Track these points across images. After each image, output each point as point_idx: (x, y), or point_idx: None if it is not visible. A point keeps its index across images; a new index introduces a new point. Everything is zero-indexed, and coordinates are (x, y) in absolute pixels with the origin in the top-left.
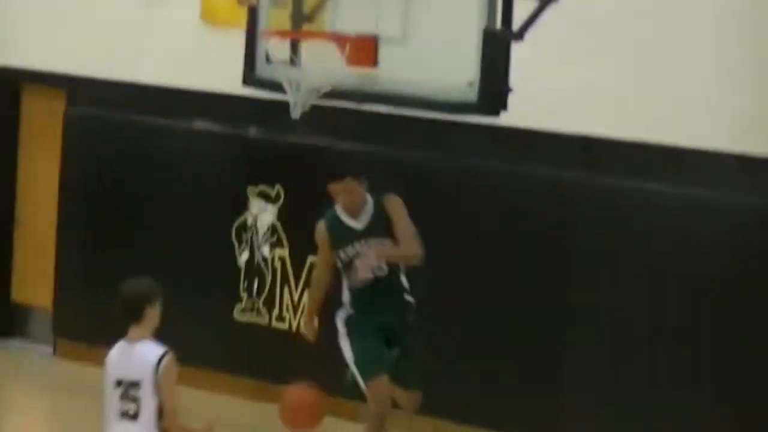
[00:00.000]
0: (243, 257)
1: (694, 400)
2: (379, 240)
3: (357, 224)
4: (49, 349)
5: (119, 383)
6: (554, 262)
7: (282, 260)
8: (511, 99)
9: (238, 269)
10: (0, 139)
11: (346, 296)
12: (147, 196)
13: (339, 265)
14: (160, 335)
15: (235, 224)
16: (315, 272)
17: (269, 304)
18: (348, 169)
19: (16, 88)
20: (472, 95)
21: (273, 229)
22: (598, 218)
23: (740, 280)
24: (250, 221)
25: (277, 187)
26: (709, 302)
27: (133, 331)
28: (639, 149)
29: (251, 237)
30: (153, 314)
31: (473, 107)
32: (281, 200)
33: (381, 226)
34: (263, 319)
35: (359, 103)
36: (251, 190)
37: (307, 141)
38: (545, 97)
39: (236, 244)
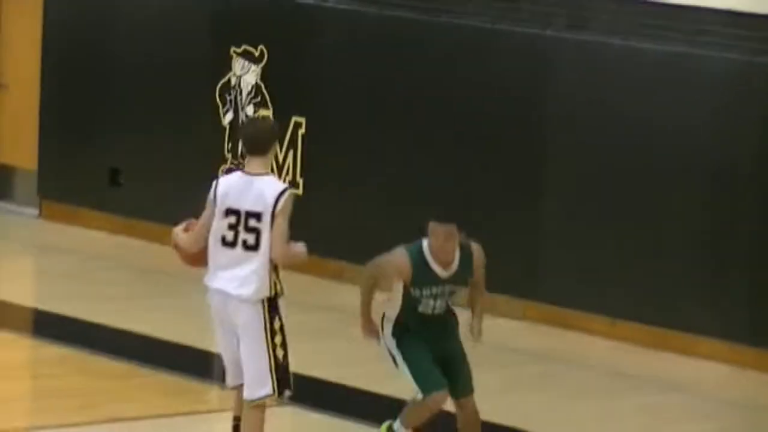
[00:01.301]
0: (227, 117)
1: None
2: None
3: (443, 273)
4: (34, 211)
5: (231, 212)
6: (533, 116)
7: (262, 118)
8: None
9: (223, 129)
10: None
11: (395, 314)
12: (129, 57)
13: (400, 294)
14: (142, 191)
15: (219, 84)
16: (370, 281)
17: None
18: (331, 27)
19: None
20: None
21: (257, 89)
22: (578, 74)
23: (721, 133)
24: (233, 81)
25: (261, 47)
26: (690, 152)
27: (255, 164)
28: (621, 4)
29: (235, 97)
30: (275, 151)
31: None
32: (264, 60)
33: (465, 275)
34: None
35: None
36: (234, 50)
37: (287, 2)
38: None
39: (220, 104)
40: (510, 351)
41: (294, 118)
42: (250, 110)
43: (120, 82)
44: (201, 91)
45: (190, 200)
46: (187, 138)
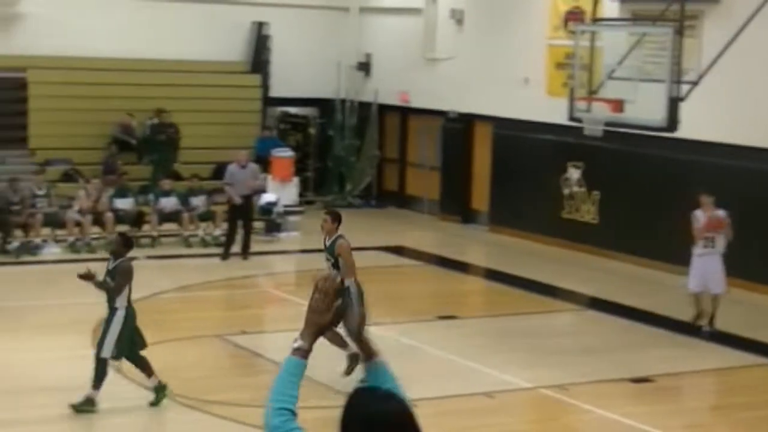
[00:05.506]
0: (566, 191)
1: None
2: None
3: (326, 245)
4: (486, 228)
5: None
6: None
7: (580, 192)
8: (681, 126)
9: (563, 195)
10: (463, 145)
11: None
12: (530, 159)
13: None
14: (532, 217)
15: (562, 177)
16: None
17: (576, 210)
18: (601, 152)
19: (472, 123)
20: (663, 123)
21: (579, 180)
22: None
23: None
24: (568, 176)
25: (581, 162)
26: None
27: None
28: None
29: (569, 183)
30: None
31: (664, 128)
32: (583, 168)
33: (331, 250)
34: (575, 216)
35: (615, 127)
36: (569, 163)
37: (593, 143)
38: (697, 122)
39: (563, 186)
40: None
41: (593, 192)
42: (575, 188)
43: (524, 168)
44: (554, 179)
45: (549, 225)
46: (548, 197)
